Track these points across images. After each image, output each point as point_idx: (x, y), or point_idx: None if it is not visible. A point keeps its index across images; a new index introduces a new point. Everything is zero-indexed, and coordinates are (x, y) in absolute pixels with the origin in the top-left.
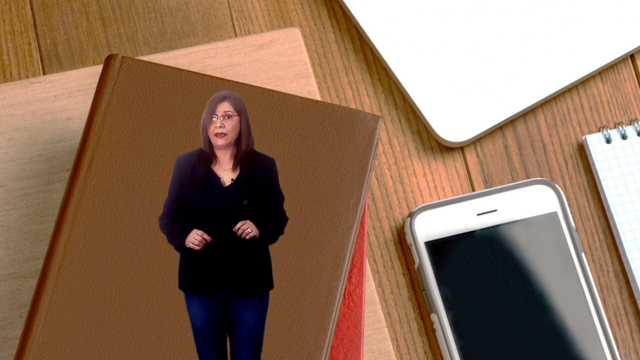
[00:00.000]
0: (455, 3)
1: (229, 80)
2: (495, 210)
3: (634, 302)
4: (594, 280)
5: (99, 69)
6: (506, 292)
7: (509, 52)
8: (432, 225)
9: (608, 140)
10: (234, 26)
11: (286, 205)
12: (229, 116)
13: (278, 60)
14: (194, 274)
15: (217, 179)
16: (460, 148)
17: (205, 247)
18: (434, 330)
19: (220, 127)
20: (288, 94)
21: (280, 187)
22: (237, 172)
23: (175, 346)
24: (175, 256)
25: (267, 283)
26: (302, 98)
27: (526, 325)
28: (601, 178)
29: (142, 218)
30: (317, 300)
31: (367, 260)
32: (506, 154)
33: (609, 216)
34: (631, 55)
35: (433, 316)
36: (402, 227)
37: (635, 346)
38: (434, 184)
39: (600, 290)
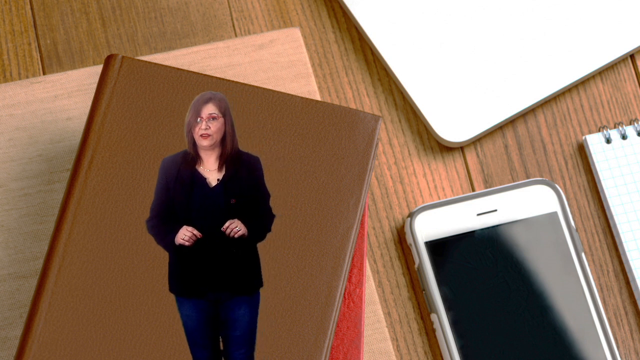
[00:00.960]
0: (455, 3)
1: (229, 80)
2: (495, 210)
3: (634, 302)
4: (594, 280)
5: (99, 69)
6: (506, 292)
7: (509, 52)
8: (432, 225)
9: (608, 140)
10: (234, 26)
11: (286, 206)
12: (214, 118)
13: (278, 60)
14: (184, 276)
15: (203, 179)
16: (460, 148)
17: (195, 247)
18: (434, 330)
19: (206, 128)
20: (288, 94)
21: (266, 185)
22: (223, 172)
23: (171, 346)
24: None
25: (257, 281)
26: (302, 98)
27: (526, 325)
28: (601, 178)
29: (142, 218)
30: (317, 300)
31: (367, 260)
32: (506, 154)
33: (609, 216)
34: (631, 55)
35: (433, 316)
36: (402, 227)
37: (635, 346)
38: (434, 184)
39: (600, 290)
